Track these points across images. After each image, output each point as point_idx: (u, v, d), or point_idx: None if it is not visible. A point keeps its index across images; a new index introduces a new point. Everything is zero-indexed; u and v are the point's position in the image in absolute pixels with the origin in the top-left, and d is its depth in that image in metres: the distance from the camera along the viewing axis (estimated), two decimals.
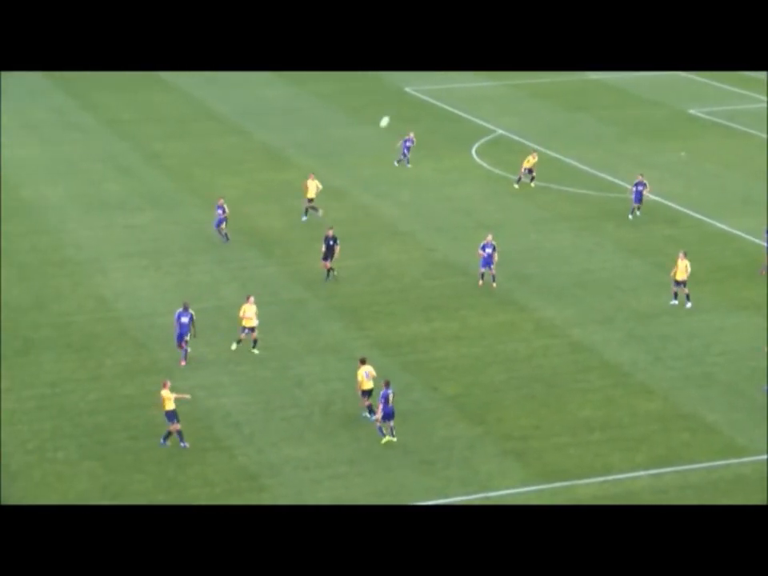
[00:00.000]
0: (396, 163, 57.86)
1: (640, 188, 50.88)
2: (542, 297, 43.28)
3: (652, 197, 52.94)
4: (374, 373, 34.38)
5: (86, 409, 35.08)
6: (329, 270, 44.31)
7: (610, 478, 31.87)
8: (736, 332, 40.45)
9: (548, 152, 59.71)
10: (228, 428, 34.20)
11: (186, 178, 56.27)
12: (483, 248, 43.71)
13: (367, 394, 34.31)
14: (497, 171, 57.63)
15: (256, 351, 38.47)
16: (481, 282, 43.80)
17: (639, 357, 38.45)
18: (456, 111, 68.78)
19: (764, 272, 45.01)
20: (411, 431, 34.11)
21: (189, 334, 37.60)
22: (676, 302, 42.32)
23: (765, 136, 63.44)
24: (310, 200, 50.54)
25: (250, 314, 38.53)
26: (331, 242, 43.98)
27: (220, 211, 47.81)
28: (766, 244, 45.80)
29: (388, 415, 33.07)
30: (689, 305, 42.16)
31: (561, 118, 66.97)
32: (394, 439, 33.19)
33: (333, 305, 42.61)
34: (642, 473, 32.10)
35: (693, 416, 35.07)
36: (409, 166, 57.49)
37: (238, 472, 31.95)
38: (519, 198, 53.76)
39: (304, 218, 50.67)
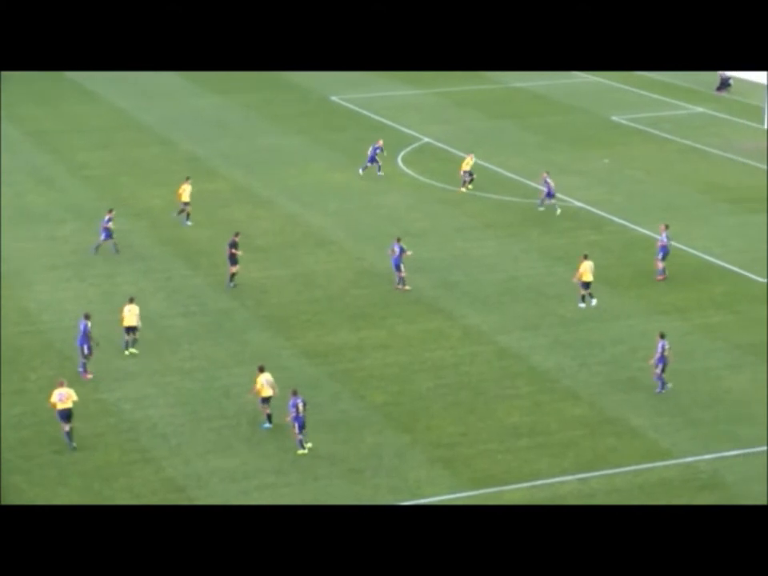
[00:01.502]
0: (360, 171, 57.77)
1: (549, 183, 52.43)
2: (468, 304, 43.49)
3: (576, 203, 53.44)
4: (272, 381, 34.34)
5: (10, 423, 34.69)
6: (230, 276, 44.55)
7: (538, 483, 32.09)
8: None
9: (474, 160, 59.99)
10: (155, 439, 33.98)
11: (110, 189, 55.86)
12: (394, 247, 44.33)
13: (266, 401, 34.29)
14: (423, 179, 57.85)
15: (133, 351, 38.58)
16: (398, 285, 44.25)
17: (565, 362, 38.76)
18: (382, 120, 68.96)
19: (660, 277, 45.43)
20: (339, 440, 34.11)
21: (87, 345, 37.15)
22: (585, 305, 42.91)
23: (686, 142, 64.24)
24: (185, 203, 50.81)
25: (130, 314, 38.58)
26: (231, 248, 44.45)
27: (108, 224, 47.23)
28: (660, 253, 45.57)
29: (301, 426, 33.01)
30: (593, 302, 42.85)
31: (485, 125, 67.41)
32: (306, 451, 33.07)
33: (260, 314, 42.52)
34: (569, 477, 32.35)
35: (618, 420, 35.41)
36: (381, 173, 57.48)
37: (166, 484, 31.76)
38: (445, 206, 54.01)
39: (187, 223, 50.94)
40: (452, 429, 34.85)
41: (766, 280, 45.62)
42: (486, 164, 59.69)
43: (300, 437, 33.07)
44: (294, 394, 33.33)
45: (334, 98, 74.22)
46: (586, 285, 42.89)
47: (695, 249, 48.73)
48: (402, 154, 62.11)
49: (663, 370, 36.57)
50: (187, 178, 51.91)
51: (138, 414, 35.31)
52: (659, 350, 36.61)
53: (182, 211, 51.22)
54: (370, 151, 57.83)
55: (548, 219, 51.85)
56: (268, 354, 39.25)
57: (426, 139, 64.83)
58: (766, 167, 59.68)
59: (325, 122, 69.06)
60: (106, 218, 47.53)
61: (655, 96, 74.58)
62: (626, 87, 76.99)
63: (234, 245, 44.61)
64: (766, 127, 64.77)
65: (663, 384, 36.72)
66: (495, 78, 79.66)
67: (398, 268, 44.35)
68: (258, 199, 53.60)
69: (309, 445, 33.30)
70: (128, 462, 32.72)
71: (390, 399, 36.60)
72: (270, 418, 34.43)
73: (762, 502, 30.75)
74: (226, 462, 32.81)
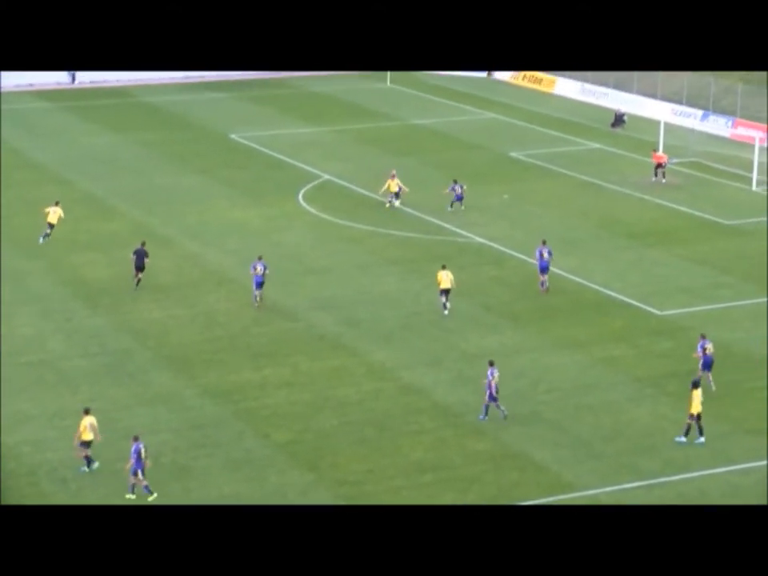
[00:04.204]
0: (387, 204, 58.95)
1: (458, 190, 57.94)
2: (371, 340, 43.50)
3: (478, 239, 53.90)
4: (96, 424, 34.03)
5: None
6: (137, 281, 47.36)
7: None
8: (560, 370, 41.28)
9: (374, 196, 60.26)
10: (54, 484, 33.40)
11: (5, 229, 55.02)
12: (254, 267, 46.08)
13: (87, 445, 33.91)
14: (324, 216, 57.89)
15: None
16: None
17: (468, 397, 38.89)
18: (282, 157, 68.95)
19: (543, 289, 47.41)
20: (243, 479, 33.83)
21: None
22: (446, 312, 45.25)
23: (583, 177, 65.14)
24: (51, 225, 52.28)
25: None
26: (139, 255, 47.41)
27: None
28: (537, 263, 48.36)
29: (141, 471, 32.55)
30: (446, 311, 45.41)
31: (386, 162, 67.65)
32: (155, 494, 32.61)
33: (162, 354, 42.10)
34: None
35: (521, 455, 35.59)
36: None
37: None
38: (347, 243, 54.07)
39: (41, 240, 52.31)
40: (357, 466, 34.75)
41: (663, 313, 46.32)
42: (385, 200, 59.83)
43: (145, 482, 32.63)
44: (136, 439, 32.90)
45: (233, 136, 74.05)
46: (444, 292, 45.47)
47: (594, 283, 49.32)
48: (303, 191, 62.12)
49: (495, 398, 37.18)
50: (57, 202, 53.19)
51: (37, 458, 34.68)
52: (489, 377, 37.26)
53: (47, 234, 52.40)
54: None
55: (450, 255, 52.14)
56: (171, 395, 38.85)
57: (327, 176, 64.94)
58: (660, 202, 60.71)
59: (224, 159, 68.86)
60: None
61: (552, 132, 75.57)
62: (524, 124, 77.92)
63: (143, 253, 47.35)
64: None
65: (489, 409, 37.24)
66: (394, 115, 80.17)
67: (260, 285, 45.81)
68: (157, 238, 53.17)
69: (154, 494, 32.75)
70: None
71: (294, 437, 36.40)
72: (89, 462, 33.95)
73: None
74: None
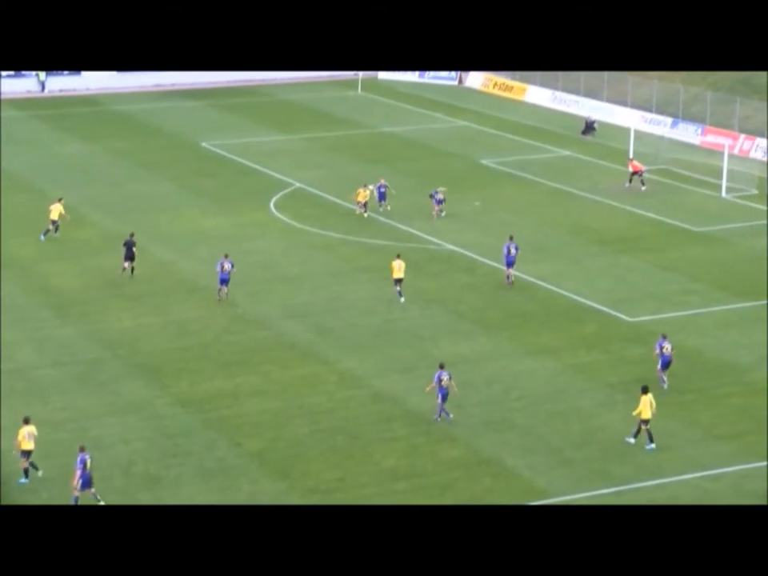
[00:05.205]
0: (380, 208, 59.29)
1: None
2: (343, 348, 43.49)
3: (449, 246, 54.00)
4: (35, 433, 33.82)
5: None
6: (131, 269, 49.43)
7: None
8: (532, 377, 41.37)
9: (345, 204, 60.28)
10: (25, 494, 33.21)
11: None
12: (221, 265, 47.19)
13: (26, 454, 33.72)
14: (296, 224, 57.86)
15: None
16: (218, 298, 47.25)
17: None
18: (253, 165, 68.89)
19: (508, 282, 49.05)
20: (215, 488, 33.75)
21: None
22: (402, 300, 47.12)
23: (554, 185, 65.35)
24: (53, 222, 54.28)
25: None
26: (128, 246, 49.43)
27: None
28: (505, 257, 49.54)
29: (86, 483, 32.36)
30: (401, 299, 47.05)
31: (358, 169, 67.69)
32: (102, 502, 32.54)
33: (133, 363, 41.96)
34: None
35: (494, 461, 35.64)
36: (389, 208, 59.15)
37: None
38: (319, 251, 54.06)
39: (42, 237, 54.35)
40: (329, 474, 34.72)
41: (634, 319, 46.49)
42: (356, 207, 59.85)
43: (92, 491, 32.40)
44: (82, 450, 32.68)
45: (204, 144, 73.94)
46: (397, 281, 47.34)
47: (565, 290, 49.47)
48: (274, 199, 62.08)
49: (444, 400, 37.53)
50: (59, 199, 55.36)
51: (7, 469, 34.47)
52: (436, 380, 37.54)
53: (47, 231, 54.30)
54: (376, 193, 59.28)
55: (421, 262, 52.20)
56: (142, 404, 38.73)
57: (298, 184, 64.92)
58: (630, 209, 60.96)
59: (195, 168, 68.75)
60: None
61: (523, 140, 75.78)
62: (495, 131, 78.11)
63: (132, 244, 49.45)
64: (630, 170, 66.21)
65: (442, 413, 37.61)
66: (365, 122, 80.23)
67: (225, 282, 47.09)
68: None
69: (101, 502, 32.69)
70: None
71: (266, 446, 36.34)
72: (26, 472, 33.74)
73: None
74: None
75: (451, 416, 37.72)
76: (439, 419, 37.67)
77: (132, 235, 50.11)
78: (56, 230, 54.64)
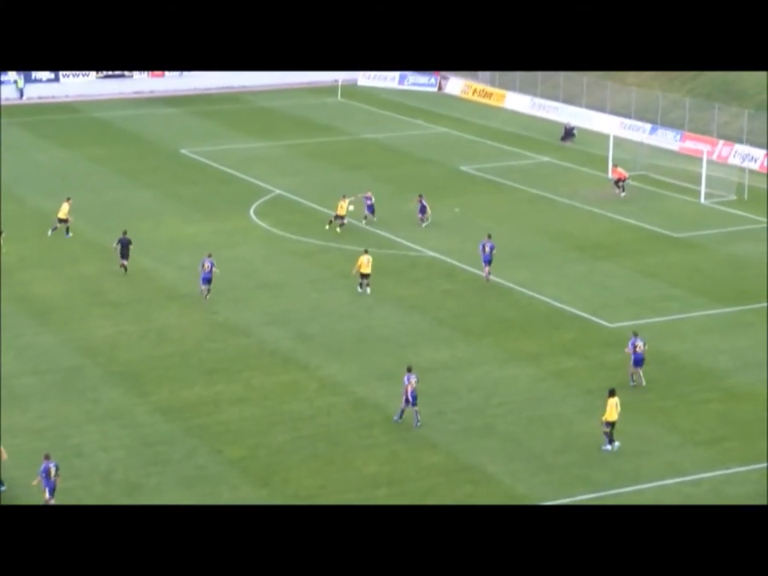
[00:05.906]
0: (363, 221, 58.82)
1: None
2: (324, 355, 43.49)
3: (429, 253, 54.05)
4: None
5: None
6: (125, 267, 50.49)
7: None
8: (513, 383, 41.45)
9: (325, 210, 60.27)
10: (5, 502, 33.07)
11: None
12: (202, 264, 48.04)
13: None
14: (276, 231, 57.85)
15: None
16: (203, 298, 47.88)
17: (421, 411, 38.89)
18: (233, 172, 68.85)
19: (486, 277, 49.92)
20: (196, 496, 33.69)
21: None
22: (362, 291, 48.62)
23: (534, 191, 65.48)
24: (61, 220, 55.97)
25: None
26: (124, 244, 50.79)
27: None
28: (481, 255, 50.31)
29: (51, 491, 32.31)
30: (368, 290, 48.45)
31: (337, 177, 67.76)
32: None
33: (113, 371, 41.89)
34: None
35: (475, 468, 35.69)
36: (375, 220, 58.91)
37: None
38: (299, 258, 54.06)
39: (49, 233, 55.91)
40: (310, 481, 34.71)
41: (613, 325, 46.62)
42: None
43: (53, 501, 32.31)
44: (47, 458, 32.61)
45: (183, 151, 73.86)
46: (364, 276, 48.58)
47: (545, 296, 49.58)
48: (254, 206, 62.05)
49: (414, 404, 37.62)
50: (68, 199, 56.80)
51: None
52: (405, 383, 37.63)
53: (56, 228, 56.04)
54: (363, 204, 58.80)
55: (402, 269, 52.26)
56: (122, 411, 38.66)
57: (278, 191, 64.90)
58: (610, 215, 61.14)
59: (175, 175, 68.68)
60: None
61: (502, 146, 75.92)
62: (474, 138, 78.23)
63: (128, 242, 50.73)
64: (609, 176, 66.42)
65: (402, 414, 37.99)
66: (344, 129, 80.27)
67: (208, 281, 47.81)
68: (108, 254, 52.87)
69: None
70: None
71: (246, 453, 36.32)
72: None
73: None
74: None
75: (420, 421, 37.82)
76: (399, 420, 37.82)
77: (125, 233, 51.20)
78: (66, 230, 56.03)
